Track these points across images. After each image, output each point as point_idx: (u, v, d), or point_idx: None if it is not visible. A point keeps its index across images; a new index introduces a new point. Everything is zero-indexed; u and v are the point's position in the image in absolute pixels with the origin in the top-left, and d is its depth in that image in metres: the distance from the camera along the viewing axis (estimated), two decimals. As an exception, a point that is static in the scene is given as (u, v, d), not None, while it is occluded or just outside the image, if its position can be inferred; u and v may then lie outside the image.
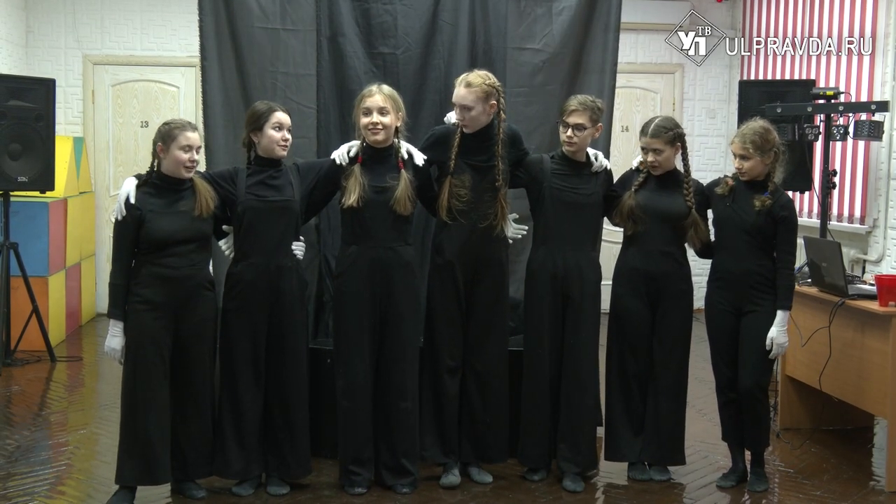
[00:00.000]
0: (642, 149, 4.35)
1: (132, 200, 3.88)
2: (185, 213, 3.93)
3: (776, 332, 4.19)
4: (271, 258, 4.09)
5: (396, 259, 4.18)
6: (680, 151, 4.36)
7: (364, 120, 4.13)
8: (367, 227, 4.13)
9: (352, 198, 4.07)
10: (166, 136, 3.92)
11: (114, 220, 3.95)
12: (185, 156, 3.92)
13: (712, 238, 4.41)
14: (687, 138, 4.42)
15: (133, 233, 3.88)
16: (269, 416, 4.17)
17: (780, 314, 4.19)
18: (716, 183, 4.42)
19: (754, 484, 4.36)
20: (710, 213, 4.43)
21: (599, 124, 4.32)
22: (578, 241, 4.34)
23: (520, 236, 4.49)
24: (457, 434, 4.38)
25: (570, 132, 4.26)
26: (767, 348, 4.21)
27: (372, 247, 4.15)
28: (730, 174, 4.41)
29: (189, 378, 4.00)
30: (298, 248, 4.18)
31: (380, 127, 4.12)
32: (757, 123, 4.29)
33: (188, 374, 4.00)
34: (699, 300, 4.46)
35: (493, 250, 4.32)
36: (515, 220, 4.43)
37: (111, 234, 4.15)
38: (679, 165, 4.43)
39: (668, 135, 4.28)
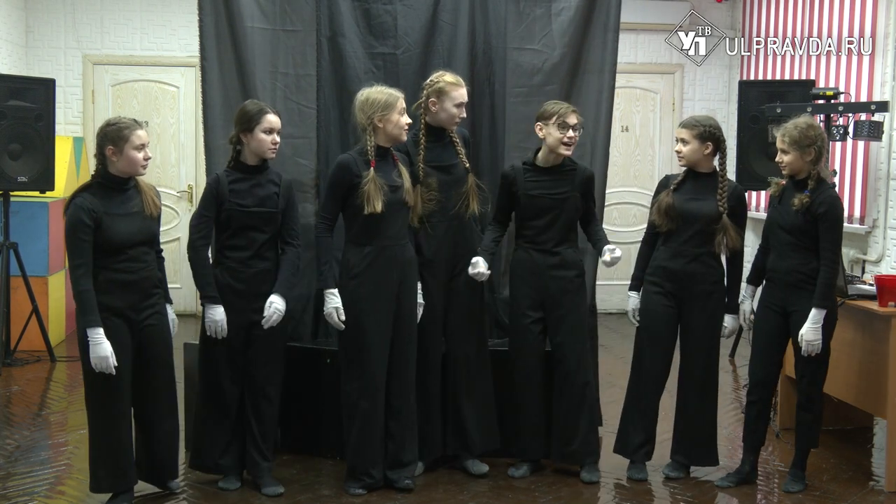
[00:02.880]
0: (675, 139, 4.45)
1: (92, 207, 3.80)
2: (136, 214, 3.89)
3: (806, 329, 4.15)
4: (252, 264, 4.10)
5: (406, 256, 4.23)
6: (711, 152, 4.36)
7: (403, 120, 4.18)
8: (385, 227, 4.15)
9: (378, 206, 4.07)
10: (117, 137, 3.83)
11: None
12: (140, 155, 3.87)
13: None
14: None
15: (92, 236, 3.77)
16: (246, 413, 4.20)
17: (813, 311, 4.15)
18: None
19: (790, 484, 4.37)
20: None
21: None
22: (555, 241, 4.38)
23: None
24: (440, 430, 4.45)
25: (570, 132, 4.32)
26: (798, 345, 4.21)
27: (388, 246, 4.16)
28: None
29: (153, 380, 3.98)
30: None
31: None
32: (801, 119, 4.29)
33: (152, 376, 3.97)
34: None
35: (469, 244, 4.42)
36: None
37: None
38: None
39: (697, 129, 4.33)
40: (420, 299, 4.30)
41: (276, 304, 4.12)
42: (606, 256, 4.28)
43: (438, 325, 4.41)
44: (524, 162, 4.46)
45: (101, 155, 3.88)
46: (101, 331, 3.74)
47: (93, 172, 3.93)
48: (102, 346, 3.73)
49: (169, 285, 4.13)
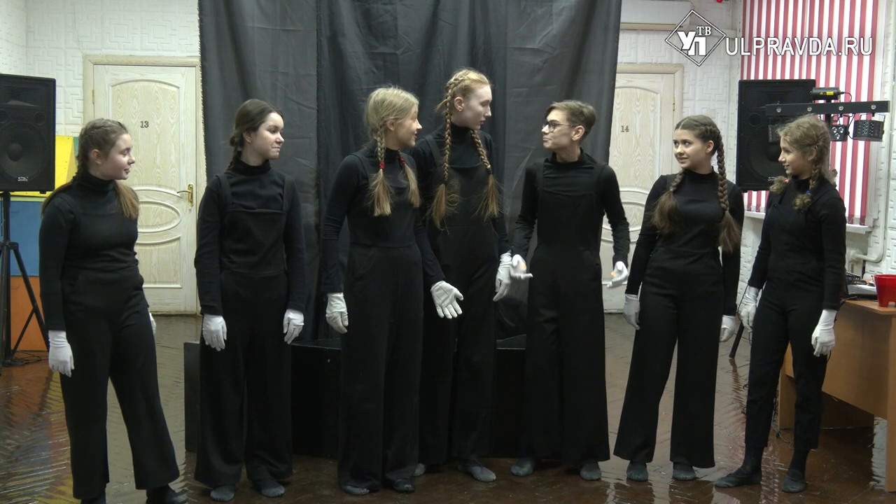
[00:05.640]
0: (674, 142, 4.43)
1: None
2: (115, 215, 3.82)
3: (820, 332, 4.15)
4: (259, 270, 4.06)
5: (412, 258, 4.21)
6: (712, 151, 4.37)
7: (415, 126, 4.17)
8: (391, 229, 4.13)
9: (387, 208, 4.06)
10: (103, 141, 3.75)
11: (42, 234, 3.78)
12: (125, 159, 3.82)
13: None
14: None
15: (66, 239, 3.72)
16: (252, 424, 4.18)
17: (824, 313, 4.15)
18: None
19: (789, 484, 4.38)
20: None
21: (579, 126, 4.34)
22: (571, 240, 4.39)
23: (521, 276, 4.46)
24: (446, 436, 4.46)
25: (545, 128, 4.38)
26: (798, 345, 4.22)
27: (393, 247, 4.15)
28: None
29: (137, 382, 3.92)
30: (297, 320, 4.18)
31: None
32: (804, 118, 4.31)
33: (136, 377, 3.91)
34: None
35: (487, 247, 4.42)
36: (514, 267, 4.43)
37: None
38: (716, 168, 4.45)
39: (699, 128, 4.34)
40: (457, 292, 4.27)
41: (294, 321, 4.15)
42: (609, 283, 4.32)
43: (452, 329, 4.38)
44: (546, 159, 4.48)
45: (83, 157, 3.81)
46: (63, 334, 3.71)
47: (74, 174, 3.87)
48: (62, 350, 3.71)
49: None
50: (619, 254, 4.41)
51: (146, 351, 3.95)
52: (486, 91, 4.31)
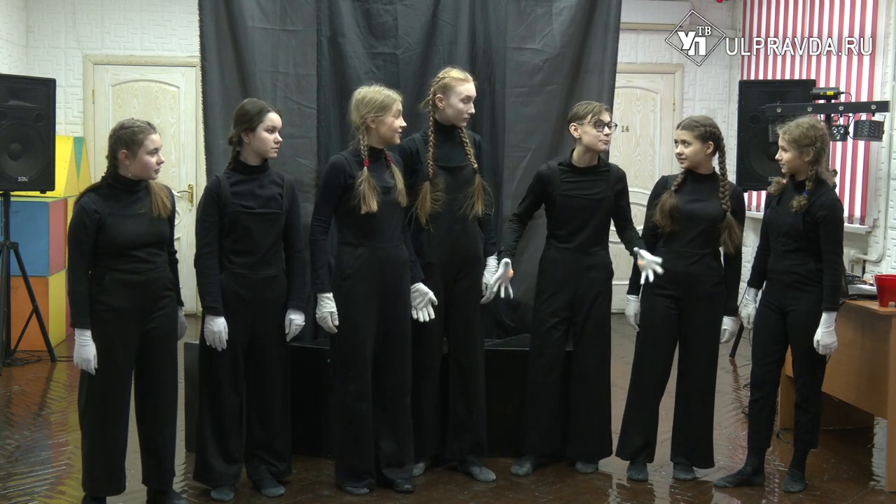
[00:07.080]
0: (674, 142, 4.45)
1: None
2: (143, 215, 3.79)
3: (821, 334, 4.15)
4: (259, 270, 4.06)
5: (400, 257, 4.20)
6: (712, 152, 4.37)
7: (397, 123, 4.15)
8: (378, 228, 4.12)
9: (373, 205, 4.05)
10: (130, 141, 3.74)
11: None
12: (154, 159, 3.79)
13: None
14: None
15: (92, 238, 3.72)
16: (251, 424, 4.18)
17: (824, 315, 4.15)
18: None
19: (789, 484, 4.37)
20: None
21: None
22: (588, 241, 4.42)
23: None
24: (436, 433, 4.47)
25: (606, 129, 4.39)
26: (812, 347, 4.21)
27: (381, 247, 4.14)
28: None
29: (160, 382, 3.91)
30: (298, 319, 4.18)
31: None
32: (804, 118, 4.31)
33: (159, 378, 3.90)
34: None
35: (471, 247, 4.41)
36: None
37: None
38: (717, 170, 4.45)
39: (699, 129, 4.33)
40: (432, 296, 4.28)
41: (296, 321, 4.15)
42: (641, 261, 4.29)
43: (439, 328, 4.39)
44: (560, 162, 4.48)
45: (112, 157, 3.80)
46: (88, 333, 3.72)
47: (104, 174, 3.86)
48: (87, 349, 3.71)
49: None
50: (637, 243, 4.39)
51: (168, 355, 3.93)
52: (466, 88, 4.30)
